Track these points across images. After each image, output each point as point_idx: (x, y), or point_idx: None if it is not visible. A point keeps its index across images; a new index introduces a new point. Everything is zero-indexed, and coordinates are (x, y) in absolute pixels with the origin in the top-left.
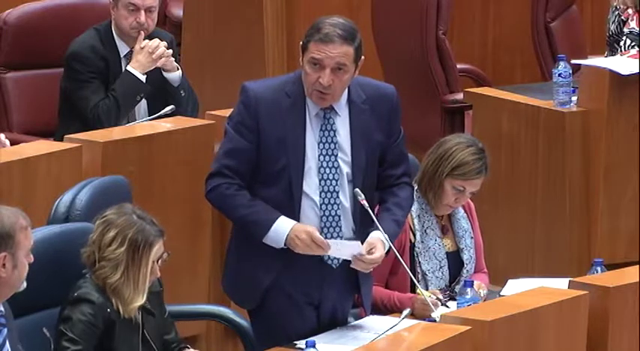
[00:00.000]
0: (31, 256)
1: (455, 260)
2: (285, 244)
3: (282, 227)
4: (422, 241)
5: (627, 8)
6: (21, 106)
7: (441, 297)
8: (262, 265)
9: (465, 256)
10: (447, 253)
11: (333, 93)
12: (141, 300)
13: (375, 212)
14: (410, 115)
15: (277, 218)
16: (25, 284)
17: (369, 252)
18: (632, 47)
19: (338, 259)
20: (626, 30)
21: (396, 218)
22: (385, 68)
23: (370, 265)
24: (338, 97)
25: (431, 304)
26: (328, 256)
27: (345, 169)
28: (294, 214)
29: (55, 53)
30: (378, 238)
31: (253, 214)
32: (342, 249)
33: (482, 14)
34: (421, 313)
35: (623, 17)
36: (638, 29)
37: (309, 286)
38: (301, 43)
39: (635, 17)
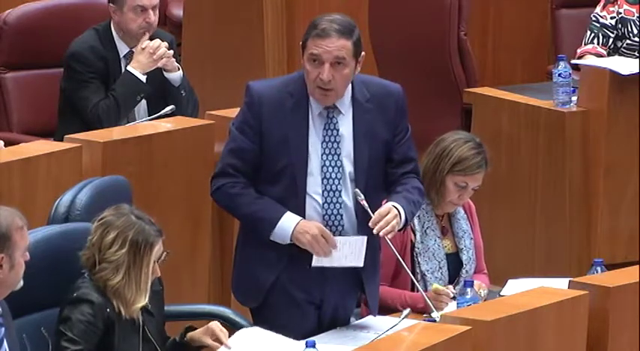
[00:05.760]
0: (27, 254)
1: (454, 261)
2: (291, 240)
3: (289, 223)
4: (422, 242)
5: None
6: (21, 106)
7: (451, 290)
8: (264, 265)
9: (464, 257)
10: (446, 254)
11: (335, 89)
12: (143, 300)
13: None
14: (429, 114)
15: (284, 214)
16: (21, 283)
17: (385, 214)
18: (591, 41)
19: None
20: (592, 16)
21: (405, 196)
22: (381, 69)
23: (389, 225)
24: (341, 94)
25: (432, 305)
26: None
27: (348, 168)
28: (298, 213)
29: (55, 53)
30: (392, 204)
31: (259, 212)
32: (345, 250)
33: (482, 14)
34: (437, 306)
35: None
36: (599, 16)
37: (311, 286)
38: (301, 41)
39: (602, 0)
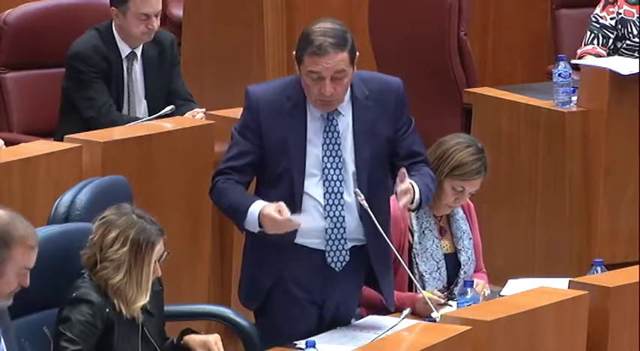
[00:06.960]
0: (27, 281)
1: (453, 262)
2: (260, 227)
3: (254, 212)
4: (420, 243)
5: None
6: (21, 106)
7: (441, 296)
8: (265, 266)
9: (463, 258)
10: (444, 254)
11: (337, 98)
12: (144, 300)
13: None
14: (429, 114)
15: (252, 203)
16: (10, 302)
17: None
18: (591, 42)
19: (342, 262)
20: (592, 17)
21: (423, 180)
22: (381, 69)
23: (404, 195)
24: (342, 99)
25: (432, 304)
26: (332, 259)
27: (351, 168)
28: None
29: (55, 53)
30: (411, 182)
31: (235, 202)
32: (306, 217)
33: (482, 14)
34: (423, 313)
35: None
36: (598, 17)
37: (312, 286)
38: (294, 54)
39: (602, 1)
